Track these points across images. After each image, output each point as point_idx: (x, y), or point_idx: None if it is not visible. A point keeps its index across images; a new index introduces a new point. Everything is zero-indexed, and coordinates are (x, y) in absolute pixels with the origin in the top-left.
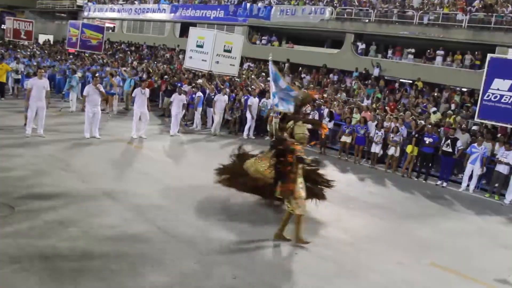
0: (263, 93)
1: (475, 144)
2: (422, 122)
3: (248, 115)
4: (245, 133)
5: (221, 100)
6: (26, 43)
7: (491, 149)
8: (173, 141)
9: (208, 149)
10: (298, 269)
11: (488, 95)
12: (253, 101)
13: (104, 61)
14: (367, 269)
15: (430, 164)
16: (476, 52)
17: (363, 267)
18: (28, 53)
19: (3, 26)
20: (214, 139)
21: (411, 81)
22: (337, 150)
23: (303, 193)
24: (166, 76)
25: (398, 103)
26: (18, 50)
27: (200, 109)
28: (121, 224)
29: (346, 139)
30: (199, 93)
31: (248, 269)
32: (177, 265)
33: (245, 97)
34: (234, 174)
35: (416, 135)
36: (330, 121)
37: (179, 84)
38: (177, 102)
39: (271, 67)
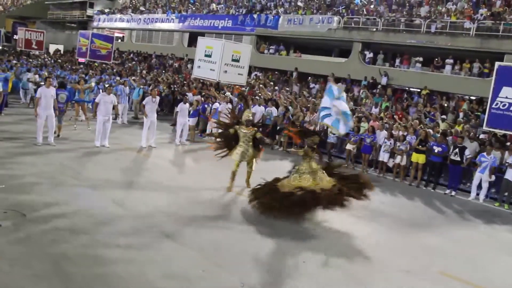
0: (267, 102)
1: (484, 153)
2: (431, 131)
3: None
4: None
5: (225, 109)
6: (37, 52)
7: (501, 158)
8: (181, 150)
9: (215, 158)
10: (306, 277)
11: (497, 103)
12: (258, 109)
13: (114, 70)
14: (375, 277)
15: (438, 173)
16: (485, 63)
17: (371, 275)
18: (39, 62)
19: (15, 37)
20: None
21: (419, 90)
22: (344, 158)
23: (235, 156)
24: (174, 86)
25: (406, 111)
26: (30, 60)
27: (214, 120)
28: (130, 232)
29: (350, 147)
30: (216, 104)
31: (256, 277)
32: (186, 272)
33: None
34: (270, 196)
35: (418, 144)
36: None
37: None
38: (183, 111)
39: (331, 86)
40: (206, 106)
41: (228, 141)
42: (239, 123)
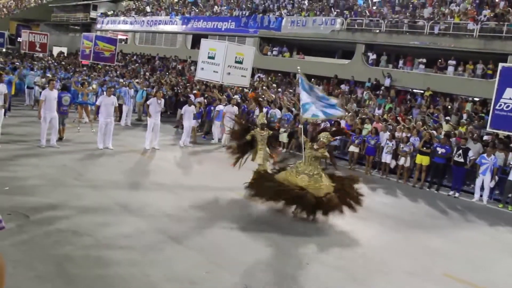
0: (270, 104)
1: (485, 155)
2: (434, 132)
3: None
4: None
5: (230, 111)
6: (41, 55)
7: (504, 159)
8: (184, 152)
9: (218, 159)
10: (309, 278)
11: (500, 105)
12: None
13: (118, 72)
14: (378, 278)
15: (442, 175)
16: (489, 64)
17: (374, 276)
18: (43, 65)
19: (19, 39)
20: (224, 150)
21: (422, 91)
22: (347, 160)
23: (259, 159)
24: (177, 88)
25: (409, 113)
26: (35, 63)
27: (218, 122)
28: (133, 234)
29: (354, 149)
30: (220, 106)
31: (259, 279)
32: (189, 274)
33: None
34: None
35: (422, 146)
36: None
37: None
38: (188, 114)
39: (302, 79)
40: (212, 108)
41: (243, 148)
42: (250, 128)
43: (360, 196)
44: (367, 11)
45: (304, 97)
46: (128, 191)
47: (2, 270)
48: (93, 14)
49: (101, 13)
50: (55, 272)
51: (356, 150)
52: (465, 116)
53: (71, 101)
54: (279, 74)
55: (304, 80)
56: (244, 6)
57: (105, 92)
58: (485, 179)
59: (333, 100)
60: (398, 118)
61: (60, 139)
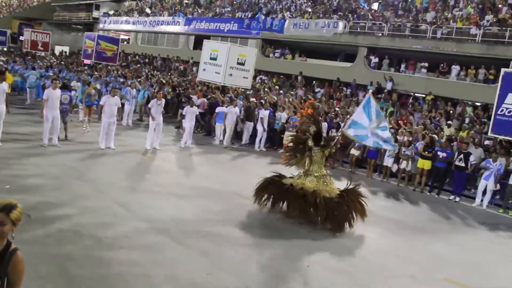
0: (275, 106)
1: (490, 160)
2: (436, 136)
3: (259, 127)
4: (256, 145)
5: (232, 113)
6: (43, 54)
7: (506, 164)
8: (185, 153)
9: (220, 161)
10: (310, 281)
11: (502, 110)
12: (264, 113)
13: (119, 72)
14: (380, 282)
15: (443, 179)
16: (491, 69)
17: (376, 280)
18: (45, 64)
19: (21, 38)
20: (225, 151)
21: (424, 95)
22: (347, 163)
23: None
24: (179, 89)
25: (411, 115)
26: (38, 62)
27: (219, 124)
28: (134, 234)
29: (354, 152)
30: (219, 108)
31: (261, 281)
32: (190, 275)
33: (258, 110)
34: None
35: (424, 150)
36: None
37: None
38: (189, 114)
39: (370, 100)
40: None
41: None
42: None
43: (364, 208)
44: (369, 15)
45: (359, 116)
46: (129, 191)
47: (21, 273)
48: (95, 13)
49: (104, 13)
50: (57, 272)
51: (357, 153)
52: (467, 120)
53: (71, 99)
54: (281, 76)
55: (372, 102)
56: (246, 7)
57: (109, 92)
58: (488, 184)
59: (387, 133)
60: (399, 121)
61: (65, 138)
